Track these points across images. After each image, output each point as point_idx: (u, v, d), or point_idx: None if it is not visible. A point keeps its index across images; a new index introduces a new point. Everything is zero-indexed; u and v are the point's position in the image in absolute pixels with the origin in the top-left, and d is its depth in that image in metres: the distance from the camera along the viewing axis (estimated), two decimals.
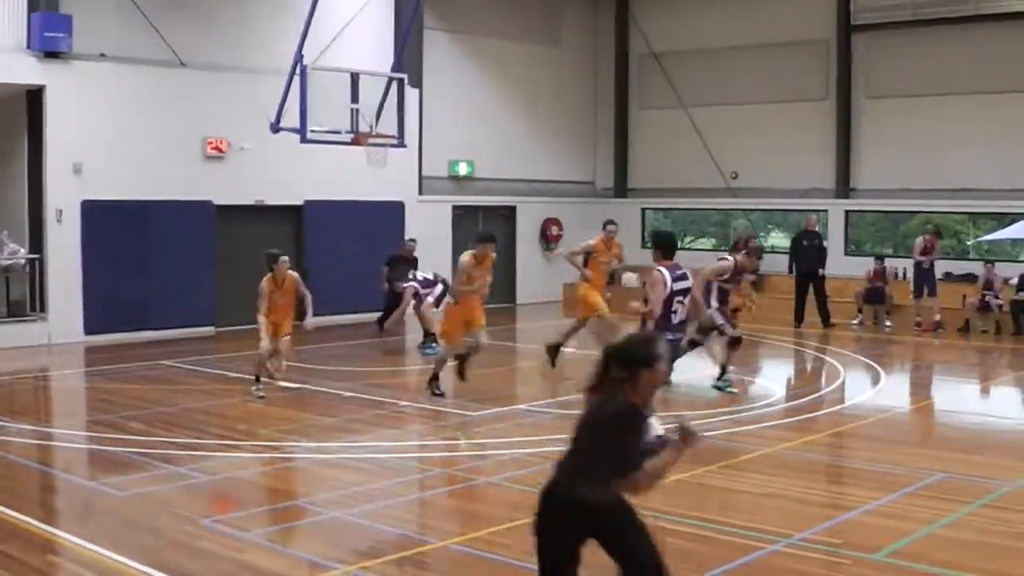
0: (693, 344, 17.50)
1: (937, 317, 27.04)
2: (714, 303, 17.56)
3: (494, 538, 9.88)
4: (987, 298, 26.96)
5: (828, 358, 22.39)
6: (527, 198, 33.12)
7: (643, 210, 35.19)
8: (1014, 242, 31.93)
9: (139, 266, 24.26)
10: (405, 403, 17.02)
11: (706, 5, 33.66)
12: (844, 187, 31.63)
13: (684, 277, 12.96)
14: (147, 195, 24.29)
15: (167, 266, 24.63)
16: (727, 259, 17.97)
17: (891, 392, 18.90)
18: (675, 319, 12.79)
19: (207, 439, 14.03)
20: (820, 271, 28.21)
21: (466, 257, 17.13)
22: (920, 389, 20.70)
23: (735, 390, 17.63)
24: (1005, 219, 30.78)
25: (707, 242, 36.40)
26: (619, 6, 35.44)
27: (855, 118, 31.59)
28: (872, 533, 10.20)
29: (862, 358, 22.37)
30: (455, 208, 31.13)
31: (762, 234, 33.87)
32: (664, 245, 13.32)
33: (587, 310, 19.95)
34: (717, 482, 12.17)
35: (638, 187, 35.54)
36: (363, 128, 23.52)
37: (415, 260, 25.26)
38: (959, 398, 19.14)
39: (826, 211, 31.26)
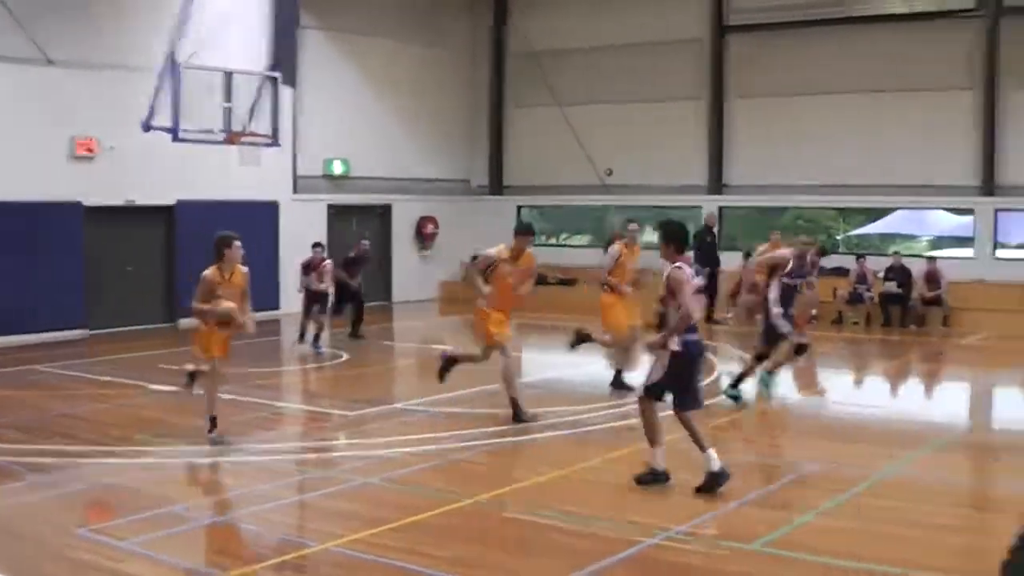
0: (760, 358, 16.67)
1: (813, 312, 27.50)
2: (776, 307, 16.34)
3: (375, 539, 9.83)
4: (859, 291, 27.48)
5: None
6: (402, 196, 33.03)
7: (518, 208, 35.30)
8: (883, 236, 32.64)
9: (6, 269, 23.62)
10: (282, 404, 16.89)
11: (582, 5, 33.84)
12: (717, 183, 32.04)
13: (699, 273, 11.99)
14: (13, 196, 23.63)
15: (35, 269, 24.02)
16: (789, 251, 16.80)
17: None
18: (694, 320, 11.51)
19: (81, 446, 13.75)
20: (719, 268, 28.58)
21: (496, 250, 15.41)
22: (794, 381, 20.98)
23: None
24: (872, 214, 31.49)
25: (582, 239, 36.67)
26: (496, 5, 35.50)
27: (728, 116, 32.05)
28: (750, 523, 10.33)
29: (737, 351, 22.62)
30: (330, 207, 30.92)
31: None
32: (678, 239, 11.69)
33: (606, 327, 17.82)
34: (598, 476, 12.26)
35: (513, 185, 35.64)
36: (236, 127, 23.35)
37: (368, 260, 24.91)
38: (833, 389, 19.46)
39: (699, 207, 31.60)
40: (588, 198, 34.26)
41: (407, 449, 13.64)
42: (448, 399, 16.84)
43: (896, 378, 21.38)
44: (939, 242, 33.13)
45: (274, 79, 24.26)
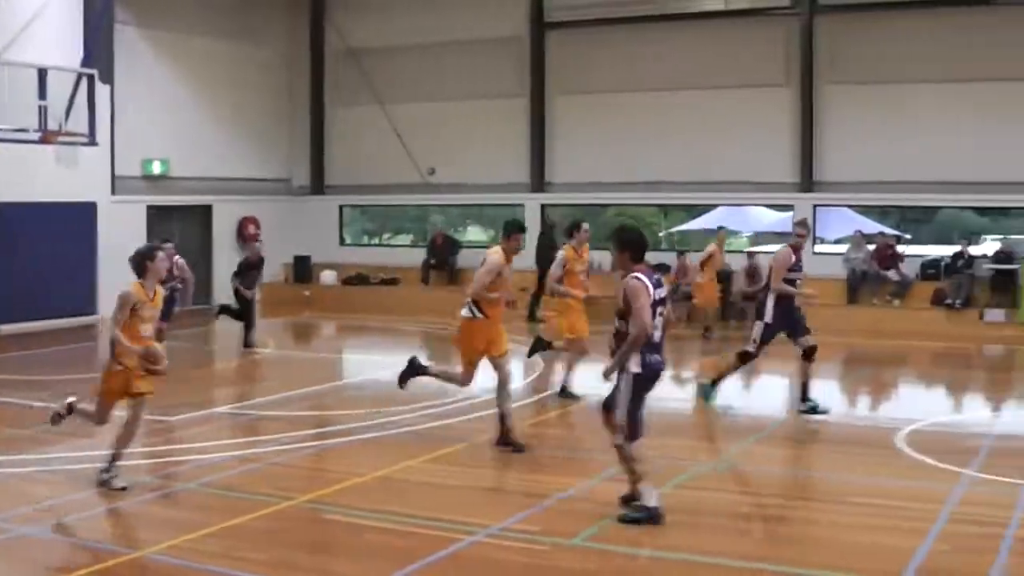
0: (745, 358, 16.06)
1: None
2: (769, 313, 15.80)
3: (193, 544, 9.71)
4: (681, 287, 27.86)
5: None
6: (223, 197, 32.56)
7: (340, 207, 35.12)
8: (705, 232, 33.16)
9: None
10: None
11: (402, 3, 33.70)
12: (540, 181, 32.20)
13: (661, 283, 10.67)
14: None
15: None
16: (782, 247, 16.17)
17: (586, 380, 19.28)
18: (657, 336, 10.55)
19: None
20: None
21: (495, 255, 13.77)
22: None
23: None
24: (694, 211, 31.98)
25: (405, 238, 36.69)
26: (314, 3, 35.19)
27: (549, 114, 32.25)
28: (569, 519, 10.43)
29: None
30: (150, 208, 30.29)
31: (460, 229, 34.25)
32: (634, 246, 10.58)
33: (552, 332, 17.52)
34: (419, 476, 12.25)
35: (335, 184, 35.40)
36: (52, 126, 22.83)
37: (262, 261, 24.16)
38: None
39: (523, 205, 31.77)
40: (411, 197, 34.22)
41: (226, 453, 13.48)
42: (266, 403, 16.73)
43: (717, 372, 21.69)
44: (759, 237, 33.89)
45: (90, 76, 23.77)
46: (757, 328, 15.95)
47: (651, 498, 10.30)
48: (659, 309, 10.49)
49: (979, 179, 27.32)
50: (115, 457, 11.89)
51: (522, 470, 11.82)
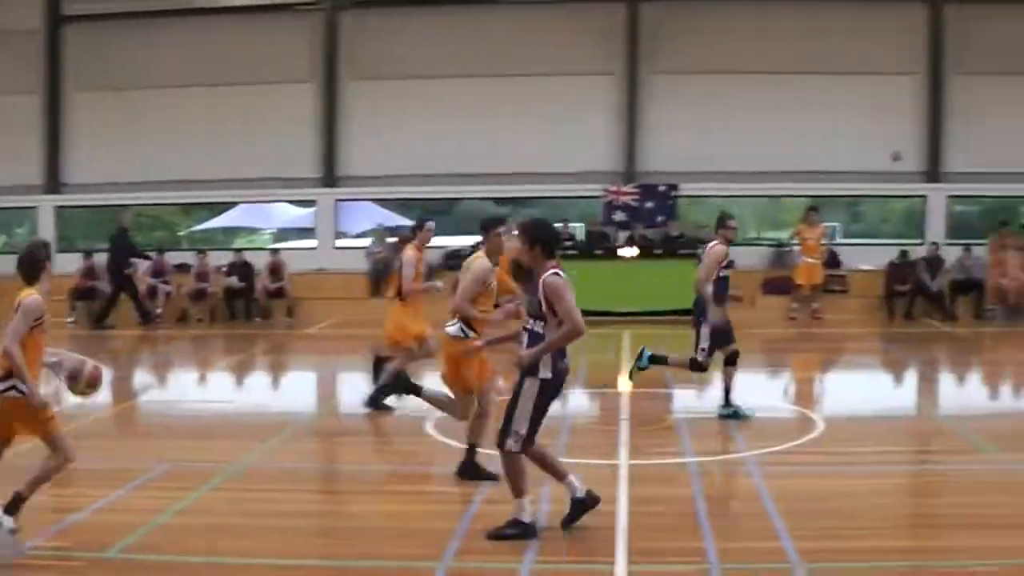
0: (731, 361, 14.60)
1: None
2: (710, 312, 14.33)
3: None
4: (202, 287, 27.57)
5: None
6: None
7: None
8: (226, 230, 32.96)
9: None
10: None
11: None
12: (55, 183, 31.04)
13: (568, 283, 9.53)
14: None
15: None
16: (716, 243, 14.60)
17: (116, 387, 18.80)
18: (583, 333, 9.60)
19: None
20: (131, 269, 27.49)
21: (482, 262, 11.90)
22: (140, 381, 20.77)
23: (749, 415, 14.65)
24: (216, 209, 31.72)
25: None
26: None
27: (66, 111, 31.14)
28: (102, 531, 10.09)
29: (82, 354, 22.10)
30: None
31: None
32: (546, 240, 9.62)
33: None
34: None
35: None
36: None
37: None
38: (182, 386, 19.41)
39: (36, 208, 30.65)
40: None
41: None
42: None
43: (244, 371, 21.61)
44: (283, 234, 33.96)
45: None
46: (704, 333, 14.42)
47: (529, 512, 9.70)
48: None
49: (495, 170, 28.45)
50: (19, 498, 9.59)
51: (50, 484, 11.28)
